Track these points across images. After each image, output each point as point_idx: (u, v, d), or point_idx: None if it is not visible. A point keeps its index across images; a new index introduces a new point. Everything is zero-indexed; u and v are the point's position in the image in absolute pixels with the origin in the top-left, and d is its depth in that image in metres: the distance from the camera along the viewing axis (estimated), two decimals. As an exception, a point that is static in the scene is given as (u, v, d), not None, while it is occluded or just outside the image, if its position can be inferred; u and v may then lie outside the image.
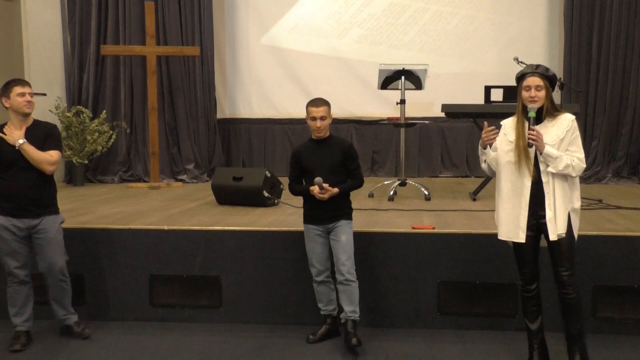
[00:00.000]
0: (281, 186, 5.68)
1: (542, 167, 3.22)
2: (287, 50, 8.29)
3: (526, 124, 3.23)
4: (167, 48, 7.60)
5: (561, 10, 7.69)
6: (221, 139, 8.22)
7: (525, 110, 3.23)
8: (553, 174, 3.20)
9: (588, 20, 7.39)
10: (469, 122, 7.50)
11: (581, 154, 3.22)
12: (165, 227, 4.41)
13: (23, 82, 3.82)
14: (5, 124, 3.79)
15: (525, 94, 3.22)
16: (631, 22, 7.28)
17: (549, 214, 3.21)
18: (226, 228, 4.40)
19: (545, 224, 3.23)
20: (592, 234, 4.06)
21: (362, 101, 8.08)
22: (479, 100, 6.22)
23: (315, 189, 3.71)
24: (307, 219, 3.87)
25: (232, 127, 8.43)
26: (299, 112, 8.19)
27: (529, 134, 3.17)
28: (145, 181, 7.66)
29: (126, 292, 4.39)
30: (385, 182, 6.58)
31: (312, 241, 3.84)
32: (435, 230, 4.24)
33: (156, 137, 7.32)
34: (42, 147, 3.77)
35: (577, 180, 3.30)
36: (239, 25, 8.37)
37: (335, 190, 3.71)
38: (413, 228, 4.30)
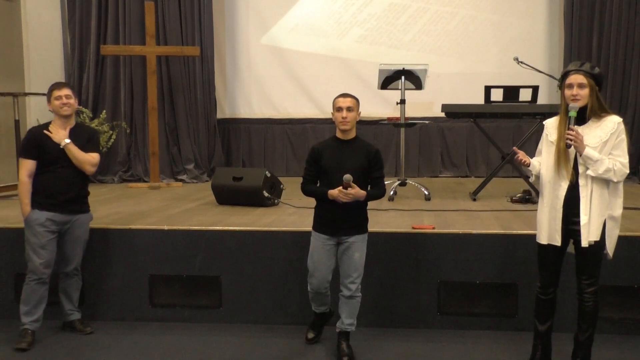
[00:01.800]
0: (281, 186, 5.68)
1: (581, 169, 3.14)
2: (287, 50, 8.29)
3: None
4: (167, 48, 7.60)
5: (561, 10, 7.69)
6: (221, 139, 8.22)
7: (568, 109, 3.13)
8: (592, 178, 3.11)
9: (588, 20, 7.39)
10: (469, 122, 7.50)
11: (625, 159, 3.11)
12: (165, 227, 4.41)
13: (60, 86, 4.00)
14: (50, 122, 3.97)
15: (567, 92, 3.13)
16: (631, 22, 7.28)
17: (583, 219, 3.12)
18: (226, 228, 4.40)
19: (574, 230, 3.17)
20: (592, 234, 4.05)
21: (362, 101, 7.91)
22: (479, 100, 6.22)
23: (335, 192, 3.42)
24: (319, 227, 3.62)
25: (232, 127, 8.43)
26: (299, 112, 8.21)
27: (567, 134, 3.06)
28: (145, 181, 7.66)
29: (126, 292, 4.39)
30: (385, 182, 6.56)
31: (321, 252, 3.60)
32: (435, 230, 4.24)
33: (156, 137, 7.31)
34: (83, 149, 3.94)
35: (620, 187, 3.20)
36: (239, 25, 8.37)
37: (363, 193, 3.44)
38: (413, 228, 4.30)
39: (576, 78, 3.12)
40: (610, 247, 3.22)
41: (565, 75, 3.20)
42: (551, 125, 3.29)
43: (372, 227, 4.35)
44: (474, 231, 4.19)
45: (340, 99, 3.61)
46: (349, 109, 3.55)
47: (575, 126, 3.10)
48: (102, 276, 4.40)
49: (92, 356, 3.78)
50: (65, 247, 4.00)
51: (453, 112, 6.01)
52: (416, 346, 3.88)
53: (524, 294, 4.03)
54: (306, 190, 3.63)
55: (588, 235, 3.13)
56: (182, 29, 7.80)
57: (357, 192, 3.42)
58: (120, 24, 7.80)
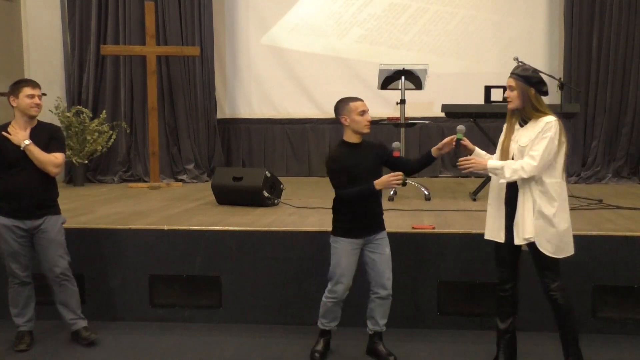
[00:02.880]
0: (281, 186, 5.68)
1: None
2: (287, 50, 8.29)
3: (516, 126, 3.23)
4: (167, 48, 7.60)
5: (561, 10, 7.69)
6: (221, 139, 8.22)
7: (513, 111, 3.24)
8: (528, 178, 3.14)
9: (588, 20, 7.39)
10: (469, 122, 7.49)
11: (536, 153, 3.06)
12: (165, 227, 4.41)
13: (34, 84, 3.77)
14: (9, 123, 3.76)
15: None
16: (631, 22, 7.28)
17: (516, 217, 3.19)
18: (226, 228, 4.40)
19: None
20: (592, 234, 4.06)
21: (362, 101, 8.06)
22: (479, 100, 6.23)
23: (384, 179, 3.36)
24: (345, 232, 3.50)
25: (232, 127, 8.43)
26: (299, 112, 8.21)
27: (459, 164, 3.23)
28: (145, 181, 7.66)
29: (126, 292, 4.39)
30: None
31: (349, 256, 3.50)
32: (435, 230, 4.24)
33: (156, 137, 7.32)
34: (46, 149, 3.73)
35: (554, 186, 3.13)
36: (239, 25, 8.38)
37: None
38: (413, 228, 4.30)
39: (508, 81, 3.21)
40: (544, 246, 3.15)
41: None
42: (504, 126, 3.37)
43: (372, 227, 4.36)
44: (474, 231, 4.18)
45: (360, 103, 3.56)
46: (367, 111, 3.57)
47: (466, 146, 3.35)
48: (102, 276, 4.39)
49: (92, 356, 3.78)
50: (42, 253, 3.79)
51: (453, 112, 6.01)
52: (416, 346, 3.88)
53: (524, 294, 4.02)
54: (347, 194, 3.45)
55: (521, 233, 3.16)
56: (182, 29, 7.80)
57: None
58: (120, 24, 7.80)
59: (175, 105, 7.90)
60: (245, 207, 5.39)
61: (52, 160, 3.73)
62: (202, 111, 7.87)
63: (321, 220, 4.52)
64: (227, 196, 5.62)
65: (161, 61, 7.76)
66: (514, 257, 3.33)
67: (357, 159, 3.50)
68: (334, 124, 8.25)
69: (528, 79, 3.15)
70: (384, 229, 3.60)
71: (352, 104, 3.54)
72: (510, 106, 3.21)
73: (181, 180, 7.76)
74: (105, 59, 7.87)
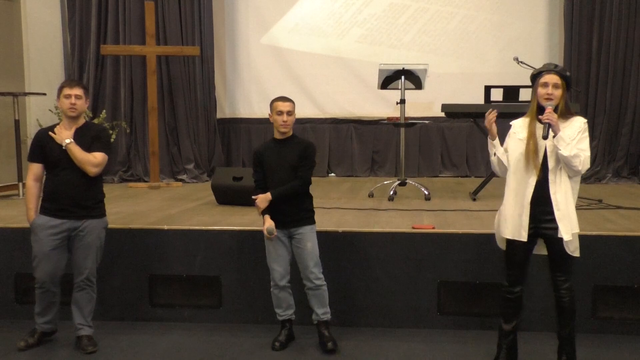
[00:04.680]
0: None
1: (550, 165, 3.18)
2: (287, 50, 8.30)
3: (539, 124, 3.20)
4: (167, 48, 7.60)
5: (561, 10, 7.69)
6: (221, 139, 8.22)
7: (539, 108, 3.19)
8: (561, 175, 3.15)
9: (588, 20, 7.39)
10: (469, 122, 7.51)
11: (588, 153, 3.17)
12: (165, 227, 4.41)
13: (72, 84, 3.80)
14: (57, 124, 3.84)
15: (541, 90, 3.18)
16: (631, 22, 7.28)
17: (557, 213, 3.16)
18: (226, 228, 4.40)
19: (544, 229, 3.21)
20: (592, 234, 4.06)
21: (362, 101, 8.08)
22: (479, 100, 6.23)
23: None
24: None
25: (232, 127, 8.43)
26: (299, 112, 8.08)
27: (546, 114, 3.10)
28: (145, 181, 7.66)
29: (126, 292, 4.39)
30: (385, 182, 6.58)
31: (275, 244, 3.78)
32: (435, 230, 4.24)
33: (156, 137, 7.32)
34: (89, 149, 3.76)
35: (578, 184, 3.25)
36: (239, 25, 8.38)
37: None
38: (413, 228, 4.30)
39: (552, 78, 3.17)
40: (569, 244, 3.19)
41: (538, 74, 3.25)
42: (519, 125, 3.34)
43: (372, 227, 4.37)
44: (474, 231, 4.18)
45: (280, 103, 3.81)
46: (288, 113, 3.80)
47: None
48: (102, 276, 4.38)
49: (92, 356, 3.77)
50: (74, 255, 3.78)
51: (453, 112, 6.01)
52: (416, 346, 3.88)
53: (524, 294, 4.02)
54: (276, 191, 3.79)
55: (570, 227, 3.16)
56: (182, 29, 7.80)
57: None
58: (120, 24, 7.80)
59: (175, 105, 7.90)
60: (245, 207, 5.38)
61: (91, 160, 3.73)
62: (202, 111, 7.87)
63: (321, 220, 4.52)
64: (227, 196, 5.62)
65: (161, 61, 7.76)
66: (527, 259, 3.33)
67: (278, 155, 3.81)
68: (334, 123, 8.27)
69: (568, 79, 3.20)
70: (308, 223, 3.80)
71: (274, 104, 3.84)
72: (554, 103, 3.17)
73: (181, 180, 7.76)
74: (105, 59, 7.88)
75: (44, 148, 3.75)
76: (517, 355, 3.47)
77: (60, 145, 3.71)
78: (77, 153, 3.71)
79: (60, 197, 3.71)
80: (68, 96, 3.75)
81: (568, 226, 3.16)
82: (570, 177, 3.19)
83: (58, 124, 3.85)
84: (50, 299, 3.84)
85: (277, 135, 3.88)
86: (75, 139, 3.74)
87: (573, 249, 3.21)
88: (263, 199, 3.71)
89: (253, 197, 3.76)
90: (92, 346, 3.85)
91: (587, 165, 3.16)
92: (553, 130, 3.12)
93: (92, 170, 3.75)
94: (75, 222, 3.74)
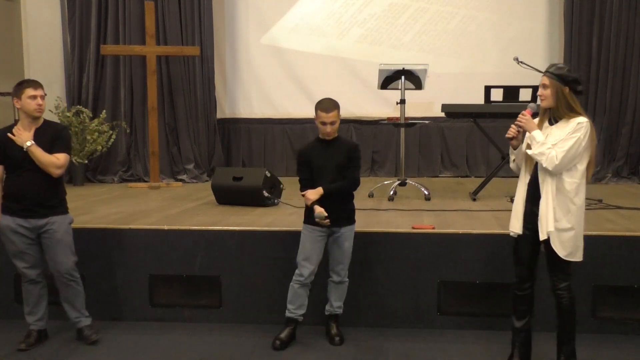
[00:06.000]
0: (281, 186, 5.68)
1: (539, 165, 3.20)
2: (287, 50, 8.29)
3: (545, 124, 3.24)
4: (167, 48, 7.60)
5: (561, 10, 7.69)
6: (221, 139, 8.22)
7: (546, 110, 3.25)
8: (548, 174, 3.16)
9: (588, 20, 7.39)
10: (469, 122, 7.50)
11: (561, 150, 3.09)
12: (165, 227, 4.41)
13: (36, 84, 3.77)
14: (15, 124, 3.79)
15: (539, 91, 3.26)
16: (631, 22, 7.28)
17: (539, 212, 3.20)
18: (226, 228, 4.40)
19: (537, 228, 3.23)
20: (592, 234, 4.05)
21: (362, 101, 8.07)
22: (479, 100, 6.22)
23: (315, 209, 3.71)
24: (312, 221, 3.79)
25: (232, 127, 8.43)
26: (299, 112, 8.21)
27: (519, 117, 3.21)
28: (145, 181, 7.66)
29: (126, 292, 4.39)
30: (385, 182, 6.58)
31: (314, 241, 3.79)
32: (435, 230, 4.24)
33: (156, 137, 7.32)
34: (50, 149, 3.73)
35: (572, 185, 3.15)
36: (239, 25, 8.38)
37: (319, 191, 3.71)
38: (413, 228, 4.30)
39: (542, 79, 3.21)
40: (557, 246, 3.17)
41: None
42: None
43: (372, 227, 4.37)
44: (474, 231, 4.19)
45: (323, 114, 3.74)
46: (332, 123, 3.75)
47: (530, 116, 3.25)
48: (102, 276, 4.39)
49: (92, 356, 3.77)
50: (49, 254, 3.80)
51: (453, 112, 6.01)
52: (416, 346, 3.88)
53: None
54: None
55: (545, 227, 3.17)
56: (182, 29, 7.80)
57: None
58: (120, 24, 7.80)
59: (175, 105, 7.90)
60: (245, 207, 5.39)
61: (54, 162, 3.71)
62: (202, 111, 7.87)
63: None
64: (227, 196, 5.62)
65: (161, 61, 7.76)
66: (534, 255, 3.34)
67: (324, 155, 3.81)
68: (334, 124, 8.25)
69: (563, 78, 3.15)
70: (350, 223, 3.86)
71: (317, 112, 3.78)
72: (544, 105, 3.21)
73: (181, 180, 7.76)
74: (105, 59, 7.87)
75: (5, 150, 3.71)
76: (531, 353, 3.46)
77: (21, 147, 3.67)
78: (40, 156, 3.68)
79: (25, 197, 3.71)
80: (34, 97, 3.71)
81: (544, 225, 3.18)
82: (557, 178, 3.16)
83: (14, 124, 3.78)
84: (39, 291, 3.88)
85: (322, 136, 3.85)
86: (35, 139, 3.70)
87: (565, 253, 3.17)
88: (314, 192, 3.72)
89: (301, 192, 3.78)
90: (95, 334, 3.93)
91: (556, 162, 3.09)
92: (525, 128, 3.23)
93: (56, 172, 3.74)
94: (39, 220, 3.75)
